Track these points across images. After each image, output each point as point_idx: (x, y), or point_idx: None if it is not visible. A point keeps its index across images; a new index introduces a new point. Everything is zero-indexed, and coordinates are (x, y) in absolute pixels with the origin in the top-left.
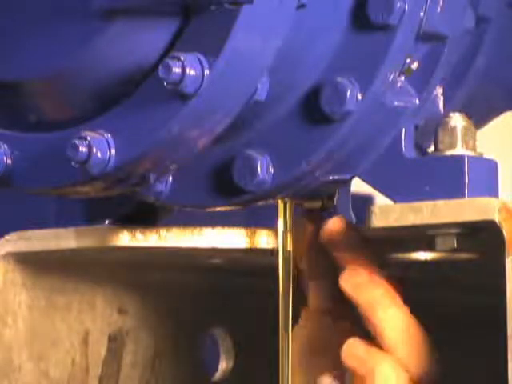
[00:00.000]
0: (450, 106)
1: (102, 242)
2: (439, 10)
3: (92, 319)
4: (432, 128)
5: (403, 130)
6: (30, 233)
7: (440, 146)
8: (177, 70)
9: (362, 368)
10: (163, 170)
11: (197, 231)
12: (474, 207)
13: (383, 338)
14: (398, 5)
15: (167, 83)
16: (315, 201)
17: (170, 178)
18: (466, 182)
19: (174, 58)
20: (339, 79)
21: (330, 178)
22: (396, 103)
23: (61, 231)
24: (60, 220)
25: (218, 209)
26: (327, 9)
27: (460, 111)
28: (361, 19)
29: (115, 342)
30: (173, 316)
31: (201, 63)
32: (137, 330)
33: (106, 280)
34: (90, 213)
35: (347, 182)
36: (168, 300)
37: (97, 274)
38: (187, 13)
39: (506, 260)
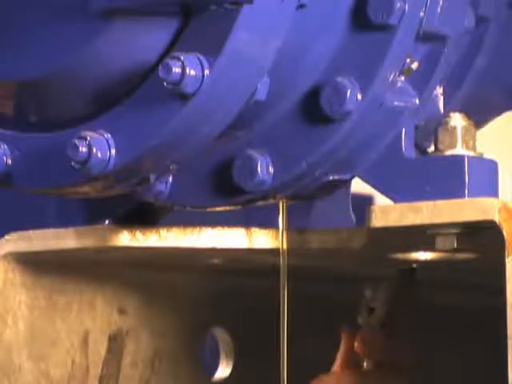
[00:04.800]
0: (449, 106)
1: (102, 242)
2: (439, 10)
3: (92, 319)
4: (432, 128)
5: (403, 130)
6: (30, 233)
7: (440, 146)
8: (177, 69)
9: None
10: (163, 169)
11: (197, 231)
12: (474, 207)
13: None
14: (398, 5)
15: (167, 83)
16: None
17: (170, 178)
18: (466, 181)
19: (174, 57)
20: (339, 79)
21: (330, 178)
22: (396, 103)
23: (61, 231)
24: (60, 220)
25: (218, 209)
26: (327, 9)
27: (460, 111)
28: (361, 19)
29: (115, 342)
30: (173, 316)
31: (201, 63)
32: (137, 330)
33: (106, 280)
34: (90, 213)
35: (347, 182)
36: (168, 300)
37: (97, 274)
38: (187, 13)
39: (506, 260)
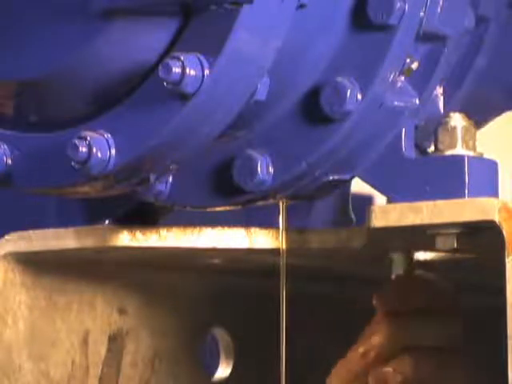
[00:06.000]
0: (449, 106)
1: (102, 241)
2: (439, 10)
3: (92, 319)
4: (432, 128)
5: (403, 129)
6: (30, 233)
7: (440, 146)
8: (177, 69)
9: None
10: (163, 169)
11: (197, 231)
12: (474, 207)
13: None
14: (398, 5)
15: (167, 83)
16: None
17: (170, 178)
18: (466, 181)
19: (174, 57)
20: (339, 79)
21: (330, 177)
22: (396, 103)
23: (61, 231)
24: (60, 220)
25: (218, 209)
26: (327, 9)
27: (460, 111)
28: (361, 19)
29: (115, 342)
30: (173, 316)
31: (201, 63)
32: (137, 330)
33: (106, 280)
34: (90, 213)
35: (347, 182)
36: (168, 300)
37: (97, 274)
38: (187, 13)
39: (506, 260)
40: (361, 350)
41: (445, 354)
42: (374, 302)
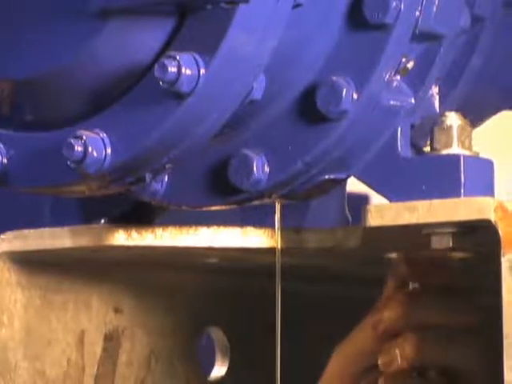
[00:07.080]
0: (445, 106)
1: (98, 241)
2: (435, 9)
3: (88, 318)
4: (428, 127)
5: (399, 129)
6: (25, 232)
7: (436, 146)
8: (172, 69)
9: None
10: (159, 169)
11: (192, 230)
12: (470, 206)
13: None
14: (394, 4)
15: (163, 83)
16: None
17: (166, 178)
18: (462, 181)
19: (169, 57)
20: (335, 78)
21: (326, 177)
22: (392, 102)
23: (56, 230)
24: (56, 219)
25: (214, 208)
26: (323, 8)
27: (456, 110)
28: (357, 18)
29: (111, 341)
30: (169, 315)
31: (196, 63)
32: (132, 329)
33: (102, 279)
34: (86, 212)
35: (343, 182)
36: (164, 299)
37: (92, 273)
38: (183, 12)
39: (502, 259)
40: (371, 320)
41: (455, 333)
42: (388, 277)
